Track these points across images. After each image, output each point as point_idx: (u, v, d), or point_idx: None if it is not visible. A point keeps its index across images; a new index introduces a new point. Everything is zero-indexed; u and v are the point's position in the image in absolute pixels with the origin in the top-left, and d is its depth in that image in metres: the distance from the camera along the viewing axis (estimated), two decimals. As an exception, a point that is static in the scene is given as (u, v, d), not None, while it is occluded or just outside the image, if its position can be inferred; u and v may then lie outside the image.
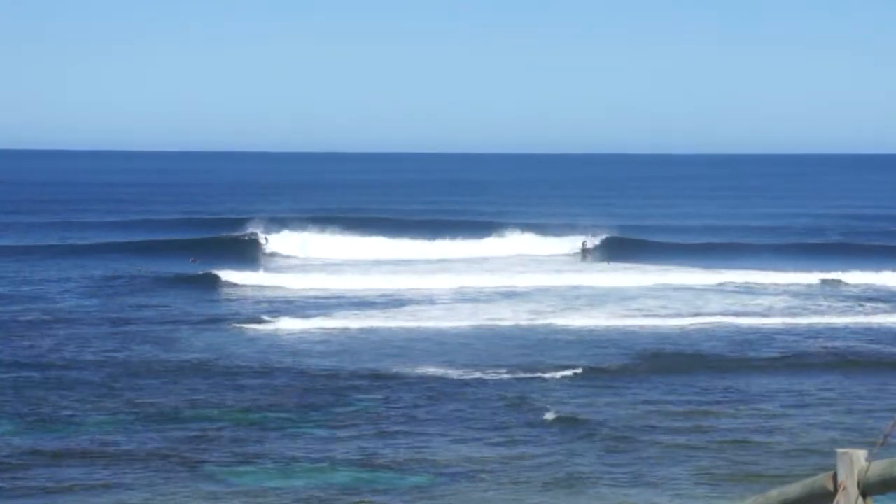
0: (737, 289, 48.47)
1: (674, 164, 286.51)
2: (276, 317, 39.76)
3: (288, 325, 38.28)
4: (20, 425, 24.63)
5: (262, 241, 63.14)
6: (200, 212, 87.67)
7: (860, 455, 6.63)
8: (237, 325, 38.14)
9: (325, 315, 40.58)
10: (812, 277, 51.02)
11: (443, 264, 57.48)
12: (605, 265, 58.77)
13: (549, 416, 25.41)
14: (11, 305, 41.28)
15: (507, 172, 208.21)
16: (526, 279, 50.66)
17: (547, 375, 30.06)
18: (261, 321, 38.83)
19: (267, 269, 54.46)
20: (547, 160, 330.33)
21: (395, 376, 29.86)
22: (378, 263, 57.43)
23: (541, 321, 39.33)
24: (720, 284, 49.35)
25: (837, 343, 35.69)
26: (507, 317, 40.36)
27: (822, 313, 41.63)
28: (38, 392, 27.57)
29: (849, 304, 44.44)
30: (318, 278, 50.40)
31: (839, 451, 6.69)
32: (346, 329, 37.79)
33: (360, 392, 28.07)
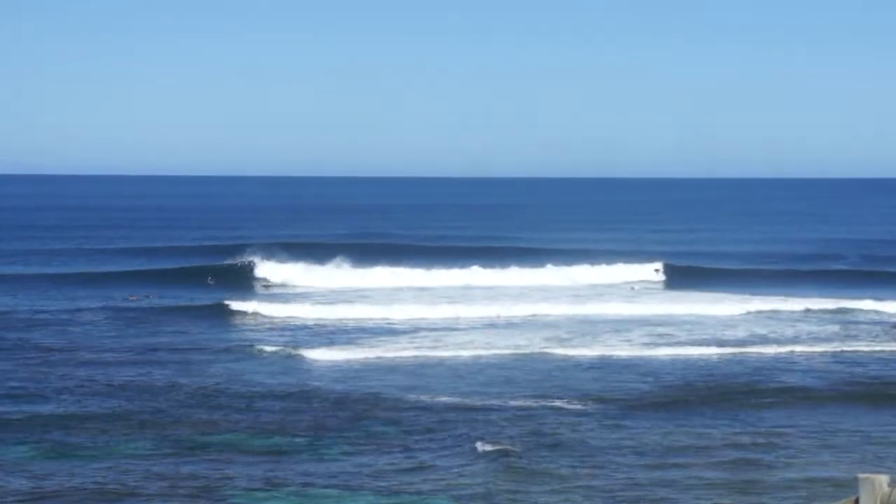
0: (759, 316, 48.25)
1: (688, 188, 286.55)
2: (293, 344, 39.75)
3: (305, 352, 38.24)
4: (38, 453, 24.51)
5: (280, 268, 62.92)
6: (218, 238, 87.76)
7: (883, 480, 6.49)
8: (254, 352, 38.10)
9: (343, 343, 40.54)
10: (836, 304, 50.74)
11: (464, 291, 57.45)
12: (630, 292, 58.58)
13: (559, 445, 25.22)
14: (31, 332, 41.37)
15: (525, 196, 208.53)
16: (552, 307, 50.32)
17: (559, 404, 29.76)
18: (278, 348, 38.79)
19: (283, 297, 54.41)
20: (558, 184, 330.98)
21: (411, 404, 29.71)
22: (398, 290, 57.36)
23: (561, 350, 39.13)
24: (748, 313, 48.96)
25: (859, 370, 35.43)
26: (528, 344, 40.20)
27: (847, 340, 41.31)
28: (56, 420, 27.48)
29: (875, 331, 44.13)
30: (336, 306, 50.21)
31: (861, 475, 6.56)
32: (364, 357, 37.70)
33: (377, 419, 27.95)
